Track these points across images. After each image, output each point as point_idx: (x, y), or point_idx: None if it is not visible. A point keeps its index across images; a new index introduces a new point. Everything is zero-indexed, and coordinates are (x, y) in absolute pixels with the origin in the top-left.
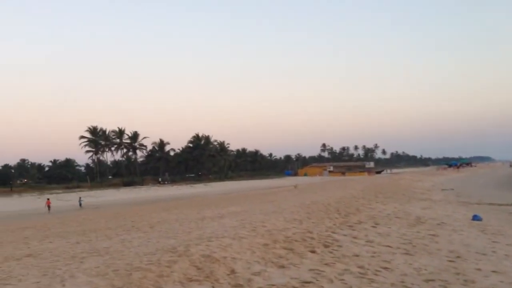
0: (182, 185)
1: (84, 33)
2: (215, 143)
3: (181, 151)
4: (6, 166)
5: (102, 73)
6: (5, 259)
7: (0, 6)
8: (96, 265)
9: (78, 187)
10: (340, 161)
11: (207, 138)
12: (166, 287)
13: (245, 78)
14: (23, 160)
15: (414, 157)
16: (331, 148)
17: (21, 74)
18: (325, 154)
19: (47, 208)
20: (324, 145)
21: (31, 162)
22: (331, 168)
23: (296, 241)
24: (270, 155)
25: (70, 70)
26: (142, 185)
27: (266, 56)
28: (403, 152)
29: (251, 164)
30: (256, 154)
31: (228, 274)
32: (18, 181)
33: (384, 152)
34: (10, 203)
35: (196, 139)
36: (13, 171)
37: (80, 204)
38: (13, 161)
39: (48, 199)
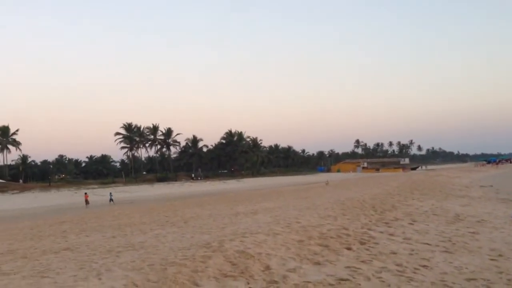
0: (215, 181)
1: (119, 33)
2: (248, 139)
3: (214, 147)
4: (45, 162)
5: (137, 71)
6: (44, 252)
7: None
8: (131, 259)
9: (113, 182)
10: (374, 157)
11: (239, 134)
12: (201, 282)
13: (278, 74)
14: (61, 156)
15: (451, 153)
16: (365, 144)
17: (59, 73)
18: (359, 150)
19: (85, 202)
20: (357, 141)
21: (68, 158)
22: (365, 165)
23: (331, 237)
24: (303, 151)
25: (104, 68)
26: (175, 181)
27: (299, 52)
28: (440, 148)
29: (284, 160)
30: (288, 150)
31: (263, 271)
32: (56, 176)
33: (419, 148)
34: (48, 198)
35: (229, 135)
36: (51, 166)
37: (111, 199)
38: (51, 157)
39: (86, 193)
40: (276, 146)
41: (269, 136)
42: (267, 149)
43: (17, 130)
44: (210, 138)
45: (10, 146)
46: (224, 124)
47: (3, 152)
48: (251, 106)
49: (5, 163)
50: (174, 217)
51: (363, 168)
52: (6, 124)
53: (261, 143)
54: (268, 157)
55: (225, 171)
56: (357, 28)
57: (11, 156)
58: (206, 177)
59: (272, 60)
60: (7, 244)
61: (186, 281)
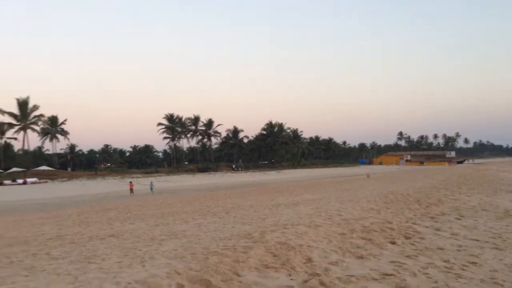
0: (256, 172)
1: (166, 28)
2: (288, 130)
3: (254, 138)
4: (91, 151)
5: (179, 63)
6: (90, 238)
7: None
8: (174, 247)
9: (156, 172)
10: (418, 150)
11: (280, 126)
12: (242, 272)
13: (319, 66)
14: (106, 146)
15: (499, 147)
16: (408, 137)
17: (105, 66)
18: (402, 143)
19: (130, 191)
20: (401, 133)
21: (113, 148)
22: (408, 157)
23: (374, 231)
24: (344, 143)
25: (149, 60)
26: (216, 171)
27: (340, 43)
28: (488, 141)
29: (325, 152)
30: (329, 142)
31: (305, 263)
32: (102, 165)
33: (466, 141)
34: (95, 186)
35: (269, 126)
36: (97, 155)
37: (151, 189)
38: (97, 147)
39: (131, 182)
40: (317, 137)
41: (309, 128)
42: (308, 140)
43: (65, 120)
44: (251, 129)
45: (58, 136)
46: (265, 115)
47: (52, 141)
48: (291, 98)
49: (54, 151)
50: (215, 207)
51: (407, 161)
52: (55, 114)
53: (301, 134)
54: (309, 149)
55: (266, 162)
56: (402, 19)
57: (60, 145)
58: (247, 168)
59: (313, 50)
60: (56, 229)
61: (228, 271)
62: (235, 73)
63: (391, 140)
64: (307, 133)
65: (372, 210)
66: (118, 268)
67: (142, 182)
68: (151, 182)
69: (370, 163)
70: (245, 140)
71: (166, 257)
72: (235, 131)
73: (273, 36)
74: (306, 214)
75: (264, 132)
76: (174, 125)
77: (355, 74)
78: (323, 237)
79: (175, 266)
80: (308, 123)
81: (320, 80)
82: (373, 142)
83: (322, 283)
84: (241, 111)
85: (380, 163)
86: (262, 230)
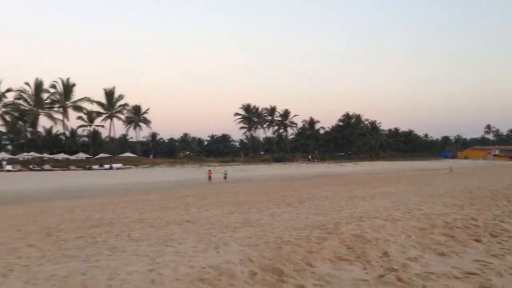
0: (332, 163)
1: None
2: (366, 122)
3: (331, 129)
4: (171, 140)
5: (256, 53)
6: (168, 223)
7: None
8: (248, 235)
9: (232, 161)
10: (508, 144)
11: (357, 117)
12: (316, 263)
13: (399, 56)
14: (185, 135)
15: None
16: (497, 130)
17: (184, 55)
18: (490, 137)
19: (208, 178)
20: (488, 126)
21: (192, 137)
22: (497, 152)
23: (457, 227)
24: (426, 135)
25: (227, 51)
26: (292, 162)
27: (417, 32)
28: None
29: (404, 145)
30: (409, 134)
31: (381, 257)
32: (181, 153)
33: None
34: (174, 173)
35: (346, 117)
36: (177, 144)
37: (225, 177)
38: (177, 135)
39: (209, 170)
40: (396, 129)
41: (388, 119)
42: (386, 132)
43: (147, 109)
44: (327, 120)
45: (141, 124)
46: (342, 106)
47: (135, 129)
48: (369, 89)
49: (138, 139)
50: (290, 197)
51: (495, 155)
52: (138, 104)
53: (380, 126)
54: (387, 141)
55: (342, 153)
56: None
57: (143, 133)
58: (323, 159)
59: (394, 43)
60: (138, 213)
61: (300, 261)
62: (312, 63)
63: (478, 133)
64: (386, 125)
65: (455, 205)
66: (193, 253)
67: (218, 171)
68: (225, 171)
69: (454, 157)
70: (321, 131)
71: (240, 244)
72: (311, 122)
73: (349, 31)
74: (383, 207)
75: (341, 123)
76: (251, 115)
77: (437, 64)
78: (401, 231)
79: (248, 254)
80: (388, 115)
81: (400, 70)
82: (458, 135)
83: (399, 279)
84: (317, 102)
85: (466, 157)
86: (337, 221)
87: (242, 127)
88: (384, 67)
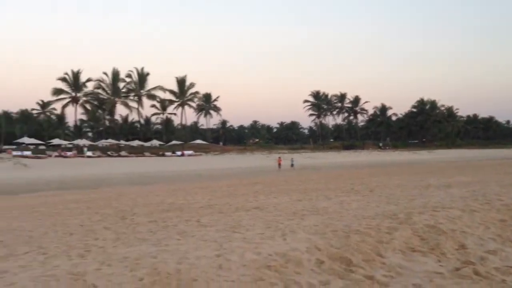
0: (404, 151)
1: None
2: (442, 108)
3: (403, 116)
4: (241, 127)
5: (324, 38)
6: (236, 209)
7: None
8: (315, 223)
9: (301, 148)
10: None
11: (432, 103)
12: (386, 254)
13: (477, 40)
14: (255, 122)
15: None
16: None
17: (252, 44)
18: None
19: (278, 166)
20: None
21: (261, 124)
22: None
23: None
24: (508, 122)
25: (292, 37)
26: (362, 149)
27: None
28: None
29: (484, 132)
30: (489, 121)
31: (457, 249)
32: (251, 140)
33: None
34: (243, 160)
35: (421, 103)
36: (246, 131)
37: (292, 165)
38: (247, 123)
39: (279, 157)
40: (475, 116)
41: (466, 106)
42: (464, 119)
43: (217, 97)
44: (400, 107)
45: (212, 112)
46: (415, 92)
47: (206, 117)
48: (446, 74)
49: (208, 127)
50: (359, 185)
51: None
52: (208, 92)
53: (457, 112)
54: (465, 128)
55: (416, 141)
56: None
57: (213, 121)
58: (395, 146)
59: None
60: (207, 199)
61: (370, 250)
62: (382, 47)
63: None
64: (463, 111)
65: None
66: (260, 239)
67: (287, 158)
68: (292, 158)
69: None
70: (394, 118)
71: (307, 232)
72: (383, 108)
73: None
74: (460, 197)
75: (415, 110)
76: (320, 102)
77: None
78: (479, 223)
79: (315, 242)
80: (466, 100)
81: (480, 55)
82: None
83: (476, 273)
84: (389, 88)
85: None
86: (409, 211)
87: (311, 114)
88: (461, 52)
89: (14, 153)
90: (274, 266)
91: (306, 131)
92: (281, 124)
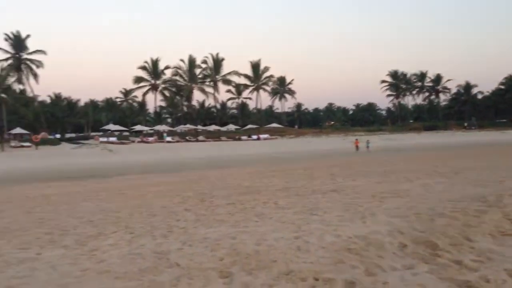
0: (491, 131)
1: None
2: None
3: (490, 93)
4: (316, 110)
5: (406, 16)
6: (313, 192)
7: None
8: (396, 206)
9: (379, 130)
10: None
11: None
12: (475, 238)
13: None
14: (330, 104)
15: None
16: None
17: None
18: None
19: (356, 148)
20: None
21: (337, 106)
22: None
23: None
24: None
25: (357, 17)
26: (445, 130)
27: None
28: None
29: None
30: None
31: None
32: (326, 123)
33: None
34: (319, 143)
35: (509, 80)
36: (322, 114)
37: (368, 147)
38: (322, 105)
39: (356, 139)
40: None
41: None
42: None
43: (292, 80)
44: (486, 84)
45: (286, 95)
46: (503, 68)
47: (281, 101)
48: None
49: (283, 110)
50: (443, 167)
51: None
52: (283, 75)
53: None
54: None
55: (504, 120)
56: None
57: (288, 104)
58: (481, 126)
59: None
60: (284, 182)
61: (457, 234)
62: (465, 27)
63: None
64: None
65: None
66: (338, 222)
67: (363, 141)
68: (367, 140)
69: None
70: (479, 96)
71: (388, 215)
72: (467, 87)
73: None
74: None
75: (502, 87)
76: (399, 82)
77: None
78: None
79: (397, 225)
80: None
81: None
82: None
83: None
84: (474, 64)
85: None
86: (500, 193)
87: (389, 95)
88: None
89: (101, 139)
90: (355, 249)
91: (383, 112)
92: (357, 106)
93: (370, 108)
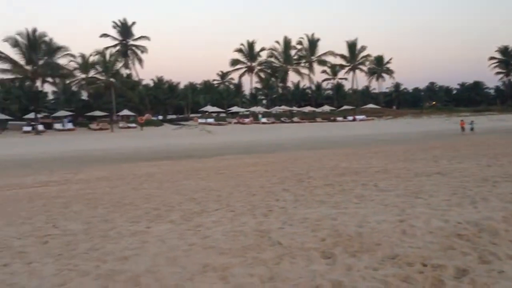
0: None
1: None
2: None
3: None
4: (416, 89)
5: None
6: (416, 174)
7: None
8: (510, 191)
9: (487, 110)
10: None
11: None
12: None
13: None
14: (432, 83)
15: None
16: None
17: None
18: None
19: (461, 129)
20: None
21: (439, 85)
22: None
23: None
24: None
25: None
26: None
27: None
28: None
29: None
30: None
31: None
32: (427, 103)
33: None
34: (420, 124)
35: None
36: (422, 94)
37: (472, 129)
38: (422, 85)
39: (461, 120)
40: None
41: None
42: None
43: (390, 59)
44: None
45: (384, 75)
46: None
47: (378, 80)
48: None
49: (380, 90)
50: None
51: None
52: (380, 54)
53: None
54: None
55: None
56: None
57: (385, 84)
58: None
59: None
60: (383, 163)
61: None
62: None
63: None
64: None
65: None
66: (446, 206)
67: (468, 121)
68: (471, 121)
69: None
70: None
71: (502, 200)
72: None
73: None
74: None
75: None
76: (509, 59)
77: None
78: None
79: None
80: None
81: None
82: None
83: None
84: None
85: None
86: None
87: (498, 73)
88: None
89: (200, 120)
90: (466, 235)
91: (492, 91)
92: (462, 84)
93: (476, 87)
